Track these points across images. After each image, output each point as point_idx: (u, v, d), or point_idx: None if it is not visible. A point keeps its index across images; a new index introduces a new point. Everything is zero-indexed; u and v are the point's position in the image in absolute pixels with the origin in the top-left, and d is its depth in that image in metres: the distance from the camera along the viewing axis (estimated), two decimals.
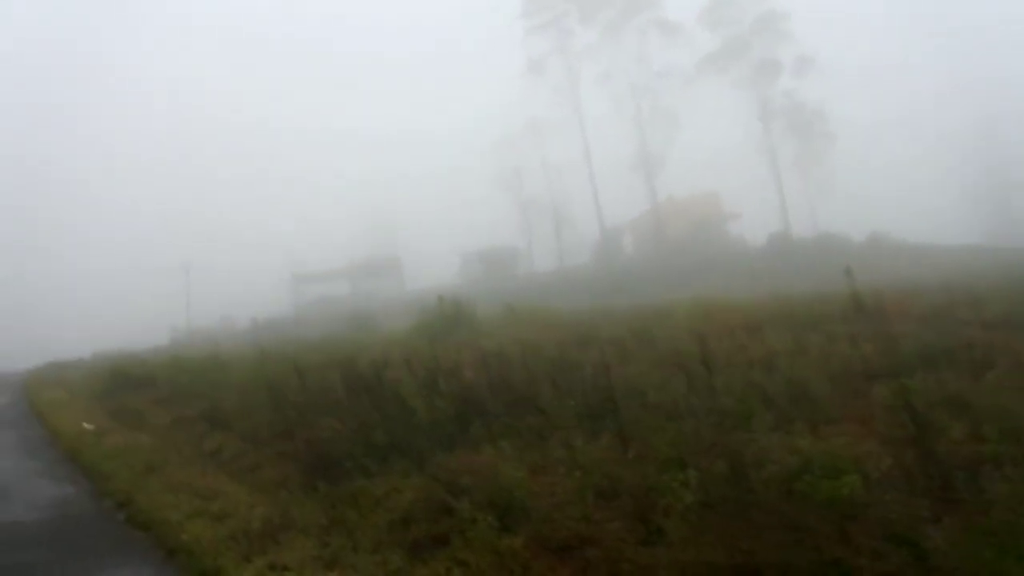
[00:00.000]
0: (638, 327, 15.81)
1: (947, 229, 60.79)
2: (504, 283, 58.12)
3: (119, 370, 20.26)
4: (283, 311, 69.74)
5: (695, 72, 65.28)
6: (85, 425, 13.57)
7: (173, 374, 18.69)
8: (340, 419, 10.64)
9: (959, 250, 49.97)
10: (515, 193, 74.53)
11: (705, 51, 65.34)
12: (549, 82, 69.94)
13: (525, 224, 74.66)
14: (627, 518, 5.91)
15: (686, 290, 34.60)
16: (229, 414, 13.30)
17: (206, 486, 8.77)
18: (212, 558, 6.42)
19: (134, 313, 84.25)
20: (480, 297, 31.57)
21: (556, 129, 70.54)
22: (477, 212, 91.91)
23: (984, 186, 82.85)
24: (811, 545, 5.01)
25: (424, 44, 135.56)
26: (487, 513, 6.24)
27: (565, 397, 9.91)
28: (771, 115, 64.11)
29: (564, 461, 7.38)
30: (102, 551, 7.26)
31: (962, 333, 10.70)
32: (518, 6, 72.05)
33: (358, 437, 9.56)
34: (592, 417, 8.62)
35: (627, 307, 27.80)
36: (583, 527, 5.87)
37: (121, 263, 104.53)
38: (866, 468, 5.85)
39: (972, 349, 9.48)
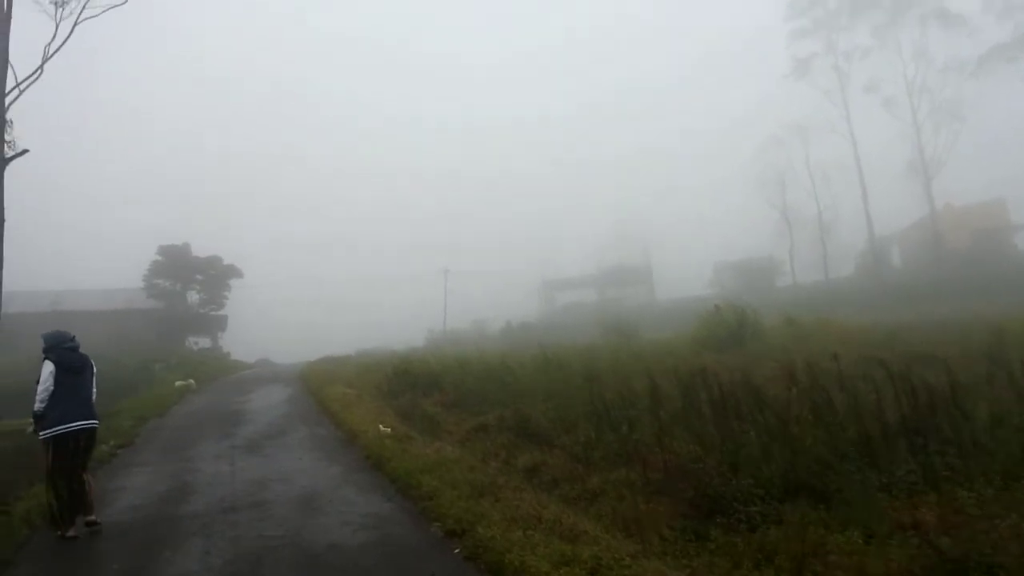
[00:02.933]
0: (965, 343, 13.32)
1: None
2: (761, 295, 54.10)
3: (402, 369, 19.46)
4: (533, 316, 69.57)
5: (977, 66, 57.68)
6: (382, 428, 12.47)
7: (459, 376, 17.55)
8: (698, 441, 8.59)
9: None
10: (776, 201, 69.57)
11: (992, 42, 57.38)
12: (814, 84, 65.12)
13: (784, 234, 69.17)
14: None
15: (966, 307, 29.91)
16: (538, 424, 11.68)
17: (556, 519, 6.98)
18: None
19: (391, 315, 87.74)
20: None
21: (820, 134, 65.54)
22: (731, 223, 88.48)
23: None
24: None
25: (680, 55, 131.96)
26: None
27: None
28: None
29: None
30: None
31: None
32: (780, 9, 67.76)
33: (740, 466, 7.48)
34: None
35: (918, 322, 24.01)
36: None
37: (386, 267, 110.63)
38: None
39: None
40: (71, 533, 7.63)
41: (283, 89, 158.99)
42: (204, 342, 59.66)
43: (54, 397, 7.73)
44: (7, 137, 16.97)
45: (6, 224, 17.66)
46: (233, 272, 59.10)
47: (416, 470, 9.36)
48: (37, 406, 7.72)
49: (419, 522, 7.69)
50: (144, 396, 22.31)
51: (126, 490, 9.42)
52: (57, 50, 19.08)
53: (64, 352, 8.07)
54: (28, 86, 18.17)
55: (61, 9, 19.37)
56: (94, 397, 8.20)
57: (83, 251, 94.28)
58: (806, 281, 65.53)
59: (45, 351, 8.04)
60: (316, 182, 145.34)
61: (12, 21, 18.29)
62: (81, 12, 19.67)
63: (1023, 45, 56.50)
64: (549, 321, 64.86)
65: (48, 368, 7.80)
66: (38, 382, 7.76)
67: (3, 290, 18.27)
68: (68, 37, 19.44)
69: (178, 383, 26.10)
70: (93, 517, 7.90)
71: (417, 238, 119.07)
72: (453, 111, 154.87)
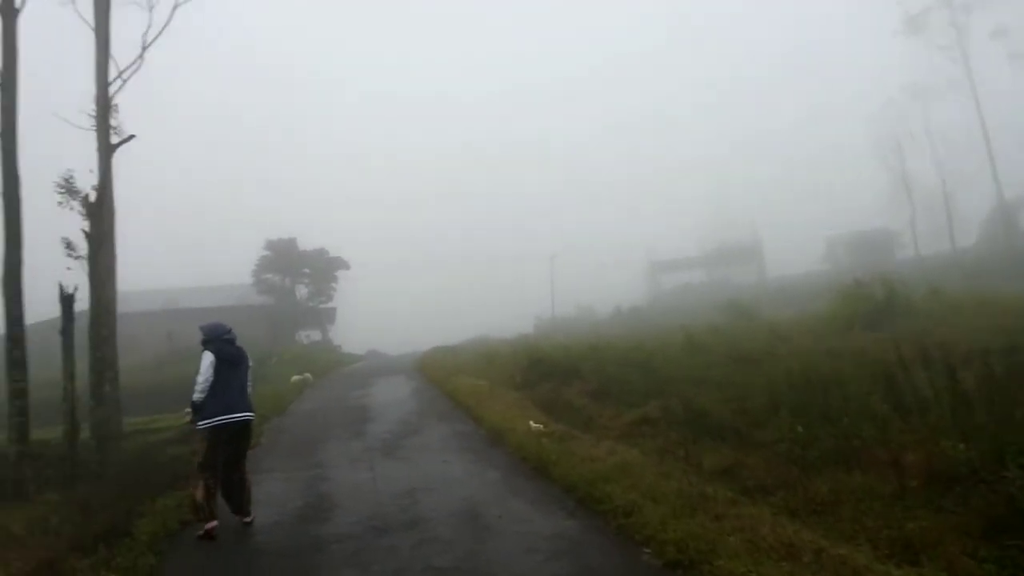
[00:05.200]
0: None
1: None
2: (878, 269, 50.61)
3: (536, 357, 18.05)
4: (640, 299, 67.43)
5: None
6: (533, 425, 11.04)
7: (598, 364, 16.01)
8: (962, 437, 6.80)
9: None
10: (893, 168, 64.96)
11: None
12: (930, 42, 60.24)
13: (900, 203, 64.14)
14: None
15: None
16: (718, 416, 10.06)
17: (815, 548, 5.37)
18: None
19: (493, 302, 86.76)
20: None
21: (939, 95, 60.59)
22: (843, 195, 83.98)
23: None
24: None
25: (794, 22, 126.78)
26: None
27: None
28: None
29: None
30: None
31: None
32: None
33: None
34: None
35: None
36: None
37: (488, 255, 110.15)
38: None
39: None
40: (211, 525, 7.40)
41: (380, 87, 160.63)
42: (314, 335, 59.84)
43: (212, 388, 7.63)
44: (112, 123, 16.15)
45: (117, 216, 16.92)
46: (339, 264, 58.98)
47: (595, 477, 7.88)
48: (196, 396, 7.64)
49: (621, 547, 6.19)
50: (262, 393, 21.54)
51: (259, 503, 8.24)
52: (155, 38, 18.31)
53: (222, 344, 7.93)
54: (131, 75, 17.46)
55: None
56: (250, 389, 8.12)
57: (193, 249, 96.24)
58: (927, 252, 60.99)
59: (204, 342, 7.92)
60: (418, 173, 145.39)
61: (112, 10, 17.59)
62: None
63: None
64: (658, 304, 62.60)
65: (208, 359, 7.69)
66: (197, 373, 7.65)
67: (118, 290, 17.60)
68: (166, 24, 18.61)
69: (295, 378, 25.43)
70: (250, 519, 7.75)
71: (519, 224, 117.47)
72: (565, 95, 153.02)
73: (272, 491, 9.04)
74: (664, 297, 69.48)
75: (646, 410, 11.61)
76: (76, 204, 14.66)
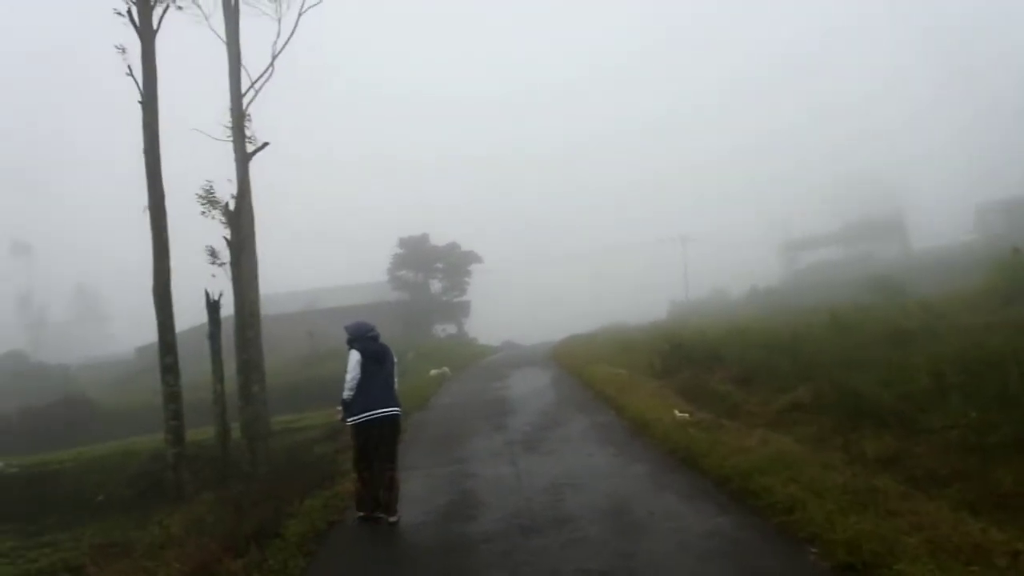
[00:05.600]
0: None
1: None
2: None
3: (676, 343, 17.49)
4: (775, 279, 64.97)
5: None
6: (678, 414, 10.61)
7: (740, 348, 15.33)
8: None
9: None
10: None
11: None
12: None
13: None
14: None
15: None
16: (876, 400, 9.32)
17: (1010, 550, 4.76)
18: None
19: (624, 288, 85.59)
20: None
21: None
22: (993, 159, 78.32)
23: None
24: None
25: None
26: None
27: None
28: None
29: None
30: None
31: None
32: None
33: None
34: None
35: None
36: None
37: (617, 240, 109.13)
38: None
39: None
40: (377, 515, 7.76)
41: (509, 86, 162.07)
42: (450, 329, 60.70)
43: (360, 385, 7.84)
44: (247, 132, 16.59)
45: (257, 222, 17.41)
46: (472, 258, 59.57)
47: (749, 468, 7.40)
48: (346, 394, 7.88)
49: (784, 547, 5.75)
50: (402, 388, 21.80)
51: (404, 501, 8.19)
52: (284, 46, 18.69)
53: (367, 342, 8.12)
54: (262, 85, 17.87)
55: (278, 3, 18.85)
56: (396, 385, 8.26)
57: (328, 250, 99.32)
58: None
59: (349, 341, 8.13)
60: (547, 166, 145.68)
61: (241, 20, 18.08)
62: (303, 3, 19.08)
63: None
64: (795, 283, 60.12)
65: (355, 357, 7.91)
66: (346, 371, 7.89)
67: (261, 293, 18.12)
68: (293, 32, 18.93)
69: (433, 372, 25.74)
70: (395, 519, 7.71)
71: (647, 208, 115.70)
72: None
73: (416, 489, 8.98)
74: (801, 276, 66.67)
75: (796, 395, 10.99)
76: (217, 213, 15.13)
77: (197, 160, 19.05)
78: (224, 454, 13.99)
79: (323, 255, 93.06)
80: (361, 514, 7.90)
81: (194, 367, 24.39)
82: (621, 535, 6.48)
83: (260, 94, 17.75)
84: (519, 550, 6.37)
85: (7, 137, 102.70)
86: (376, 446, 7.80)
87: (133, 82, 13.58)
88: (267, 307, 21.01)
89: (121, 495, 15.03)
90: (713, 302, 62.50)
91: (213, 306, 14.55)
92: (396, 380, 8.32)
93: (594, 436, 11.33)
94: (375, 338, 8.23)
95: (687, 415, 10.50)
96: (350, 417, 7.88)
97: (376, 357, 8.04)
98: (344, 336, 8.25)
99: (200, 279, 15.18)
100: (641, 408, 12.02)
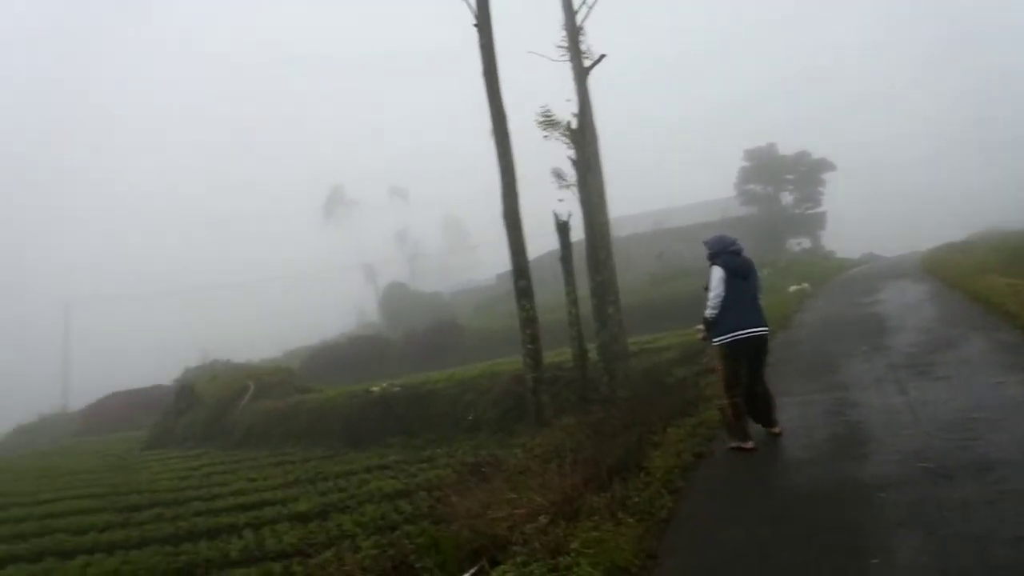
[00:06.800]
0: None
1: None
2: None
3: None
4: None
5: None
6: None
7: None
8: None
9: None
10: None
11: None
12: None
13: None
14: None
15: None
16: None
17: None
18: None
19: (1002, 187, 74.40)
20: None
21: None
22: None
23: None
24: None
25: None
26: None
27: None
28: None
29: None
30: None
31: None
32: None
33: None
34: None
35: None
36: None
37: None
38: None
39: None
40: (748, 445, 7.26)
41: None
42: (804, 243, 57.08)
43: (725, 303, 7.37)
44: (582, 47, 16.06)
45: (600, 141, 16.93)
46: (825, 166, 55.04)
47: None
48: (709, 312, 7.45)
49: None
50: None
51: (782, 434, 7.28)
52: None
53: (729, 256, 7.58)
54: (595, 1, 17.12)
55: None
56: (760, 301, 7.72)
57: (675, 169, 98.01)
58: None
59: (710, 257, 7.68)
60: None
61: None
62: None
63: None
64: None
65: (718, 274, 7.44)
66: (707, 289, 7.48)
67: (610, 215, 17.76)
68: None
69: (792, 288, 24.19)
70: (778, 430, 7.55)
71: None
72: None
73: (792, 419, 8.07)
74: None
75: None
76: (557, 134, 14.93)
77: (533, 86, 19.11)
78: (582, 377, 13.98)
79: (667, 173, 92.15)
80: (733, 444, 7.37)
81: (549, 289, 25.09)
82: None
83: (593, 9, 17.14)
84: (929, 503, 5.10)
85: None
86: (747, 366, 7.36)
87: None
88: (616, 228, 20.70)
89: (488, 415, 15.76)
90: None
91: (563, 227, 14.49)
92: (760, 296, 7.77)
93: (1000, 360, 9.54)
94: (738, 252, 7.68)
95: None
96: (716, 337, 7.42)
97: (741, 272, 7.52)
98: (703, 252, 7.73)
99: (549, 204, 15.19)
100: None
